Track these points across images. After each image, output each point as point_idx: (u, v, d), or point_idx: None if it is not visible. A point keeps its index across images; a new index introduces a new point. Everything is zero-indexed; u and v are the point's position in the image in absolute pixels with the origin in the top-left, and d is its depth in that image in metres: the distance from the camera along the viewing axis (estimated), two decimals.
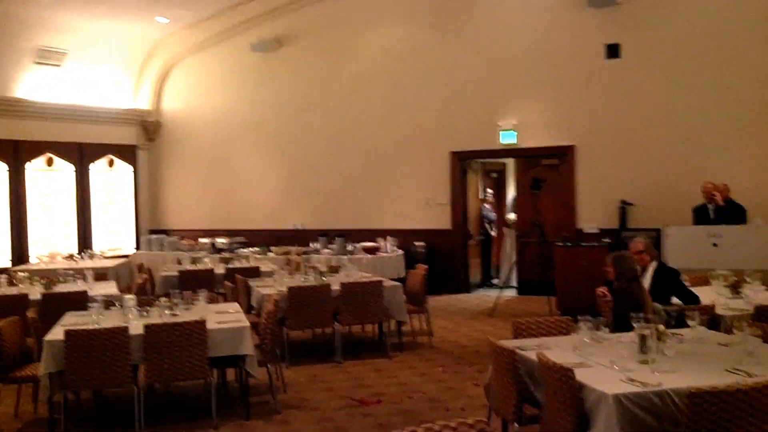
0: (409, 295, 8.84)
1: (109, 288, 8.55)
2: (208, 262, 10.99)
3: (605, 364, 4.22)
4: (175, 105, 15.64)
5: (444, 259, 12.80)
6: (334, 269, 9.58)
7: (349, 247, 11.76)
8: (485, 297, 12.40)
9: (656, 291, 6.09)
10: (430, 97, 12.95)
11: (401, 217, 13.16)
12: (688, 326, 4.94)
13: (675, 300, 6.12)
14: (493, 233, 14.12)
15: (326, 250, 11.92)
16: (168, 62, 15.44)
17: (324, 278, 8.59)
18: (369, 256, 11.49)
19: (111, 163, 15.43)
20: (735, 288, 6.53)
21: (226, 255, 11.65)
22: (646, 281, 6.28)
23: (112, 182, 15.57)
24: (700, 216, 9.79)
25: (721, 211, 9.62)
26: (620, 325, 5.07)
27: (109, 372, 5.56)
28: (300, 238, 13.36)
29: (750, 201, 9.88)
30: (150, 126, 15.69)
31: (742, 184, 10.19)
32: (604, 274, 9.83)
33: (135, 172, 15.80)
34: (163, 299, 6.42)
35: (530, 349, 4.67)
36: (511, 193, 14.24)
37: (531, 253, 11.67)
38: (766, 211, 9.79)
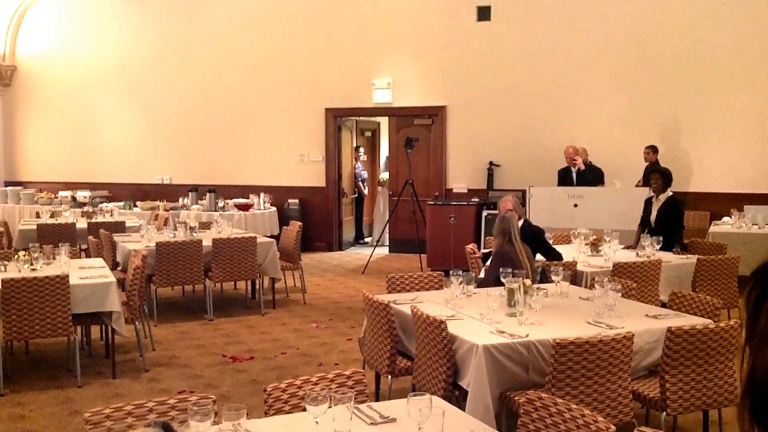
0: (282, 252, 8.79)
1: None
2: (68, 216, 10.45)
3: (475, 317, 4.37)
4: (33, 49, 14.62)
5: (318, 216, 12.78)
6: (205, 225, 9.35)
7: (221, 203, 11.50)
8: (358, 255, 12.50)
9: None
10: (303, 51, 12.72)
11: (275, 173, 12.98)
12: (552, 281, 5.17)
13: (539, 256, 6.39)
14: (365, 192, 14.21)
15: (196, 206, 11.59)
16: (24, 3, 14.38)
17: (194, 234, 8.37)
18: (241, 212, 11.28)
19: None
20: (595, 246, 6.89)
21: (88, 209, 11.12)
22: None
23: None
24: (564, 179, 10.23)
25: (582, 174, 10.10)
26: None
27: None
28: (167, 192, 12.93)
29: (610, 163, 10.42)
30: (5, 71, 14.61)
31: (601, 146, 10.72)
32: (472, 233, 10.18)
33: None
34: (21, 253, 6.07)
35: (404, 303, 4.76)
36: (385, 152, 14.34)
37: (403, 212, 11.83)
38: (624, 174, 10.36)
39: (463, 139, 11.98)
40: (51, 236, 8.67)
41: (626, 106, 10.99)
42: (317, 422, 2.59)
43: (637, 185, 10.09)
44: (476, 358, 3.82)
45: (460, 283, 4.80)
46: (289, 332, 7.37)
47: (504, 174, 11.62)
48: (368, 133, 14.69)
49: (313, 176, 12.86)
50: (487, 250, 6.74)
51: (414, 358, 4.43)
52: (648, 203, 7.86)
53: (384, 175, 13.91)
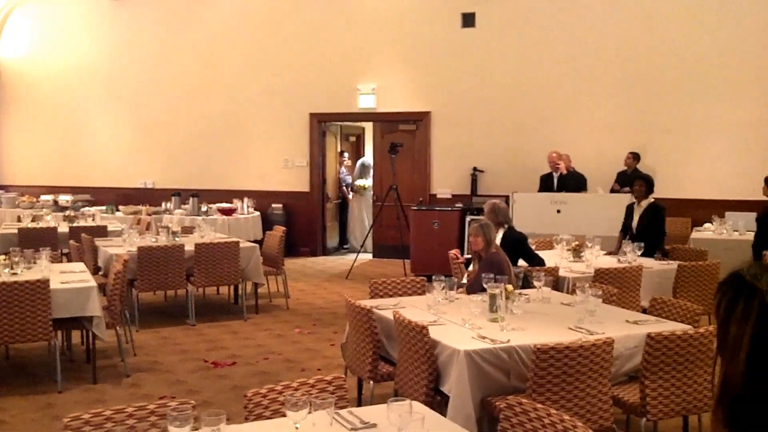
0: (265, 257, 8.77)
1: None
2: (50, 220, 10.38)
3: (457, 323, 4.37)
4: (16, 52, 14.52)
5: (302, 221, 12.76)
6: (187, 230, 9.32)
7: (204, 208, 11.46)
8: (342, 260, 12.49)
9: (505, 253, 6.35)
10: (288, 57, 12.73)
11: (259, 178, 12.96)
12: (534, 287, 5.19)
13: (521, 262, 6.41)
14: (350, 197, 14.20)
15: (179, 211, 11.55)
16: (7, 5, 14.29)
17: (177, 238, 8.33)
18: (225, 217, 11.24)
19: None
20: (577, 252, 6.92)
21: (70, 213, 11.04)
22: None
23: None
24: (546, 184, 10.30)
25: (563, 179, 10.17)
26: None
27: None
28: (150, 197, 12.86)
29: (591, 170, 10.49)
30: None
31: (584, 154, 10.79)
32: (456, 239, 10.18)
33: None
34: (1, 257, 6.01)
35: (387, 308, 4.76)
36: (366, 158, 14.28)
37: (387, 217, 11.84)
38: (606, 180, 10.44)
39: (448, 145, 12.02)
40: (32, 240, 8.60)
41: (610, 114, 11.06)
42: (297, 427, 2.59)
43: (612, 190, 10.20)
44: (458, 364, 3.83)
45: (443, 288, 4.80)
46: (272, 338, 7.35)
47: (488, 180, 11.65)
48: (353, 138, 14.69)
49: (298, 181, 12.85)
50: (470, 256, 6.74)
51: (396, 364, 4.43)
52: (629, 209, 7.90)
53: (358, 182, 13.80)
